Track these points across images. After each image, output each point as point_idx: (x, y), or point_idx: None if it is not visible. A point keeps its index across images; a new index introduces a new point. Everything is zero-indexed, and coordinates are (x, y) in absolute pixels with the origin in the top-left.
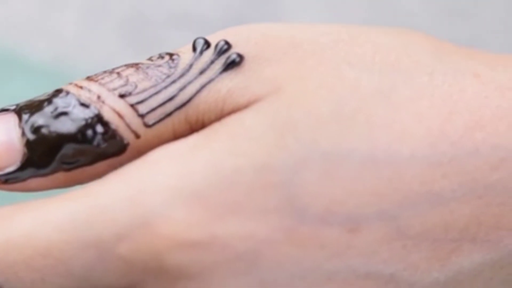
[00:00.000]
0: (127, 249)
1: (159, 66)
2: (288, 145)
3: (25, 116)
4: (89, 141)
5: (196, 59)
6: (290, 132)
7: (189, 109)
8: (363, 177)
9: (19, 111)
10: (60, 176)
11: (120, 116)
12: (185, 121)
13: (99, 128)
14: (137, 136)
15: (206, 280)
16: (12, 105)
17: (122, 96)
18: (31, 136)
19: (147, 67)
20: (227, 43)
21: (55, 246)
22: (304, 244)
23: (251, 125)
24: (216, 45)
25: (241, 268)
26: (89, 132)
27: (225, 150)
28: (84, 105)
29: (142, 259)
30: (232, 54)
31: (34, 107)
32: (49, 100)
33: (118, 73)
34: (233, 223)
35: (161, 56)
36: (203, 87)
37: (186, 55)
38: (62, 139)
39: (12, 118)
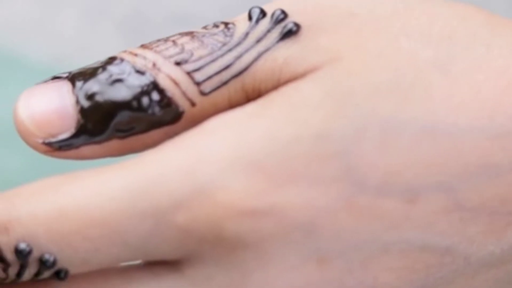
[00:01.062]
0: (185, 218)
1: (215, 34)
2: (347, 114)
3: (78, 83)
4: (144, 108)
5: (252, 28)
6: (349, 101)
7: (246, 78)
8: (421, 147)
9: (72, 78)
10: (114, 143)
11: (176, 83)
12: (241, 90)
13: (155, 96)
14: (193, 104)
15: (263, 249)
16: (65, 73)
17: (178, 63)
18: (85, 103)
19: (203, 36)
20: (283, 12)
21: (111, 216)
22: (362, 214)
23: (308, 94)
24: (272, 14)
25: (299, 238)
26: (145, 100)
27: (283, 119)
28: (140, 72)
29: (199, 228)
30: (288, 23)
31: (87, 74)
32: (103, 67)
33: (173, 41)
34: (292, 192)
35: (215, 25)
36: (259, 55)
37: (241, 24)
38: (117, 106)
39: (65, 85)
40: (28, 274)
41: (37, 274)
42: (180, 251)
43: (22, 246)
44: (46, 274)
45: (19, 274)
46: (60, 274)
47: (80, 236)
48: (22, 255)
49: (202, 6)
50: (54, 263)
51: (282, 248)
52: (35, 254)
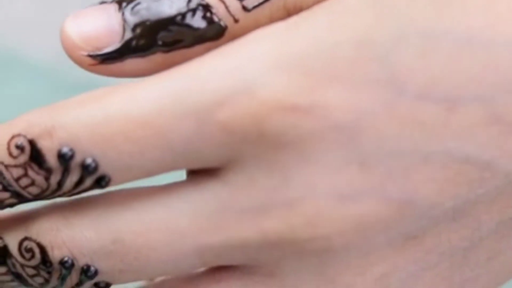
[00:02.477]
0: (227, 115)
1: None
2: (387, 22)
3: (124, 3)
4: (188, 23)
5: None
6: (389, 10)
7: None
8: (459, 59)
9: (119, 1)
10: (158, 57)
11: None
12: (284, 8)
13: (199, 11)
14: (236, 20)
15: (305, 149)
16: None
17: None
18: (131, 19)
19: None
20: None
21: (154, 116)
22: (403, 120)
23: (350, 4)
24: None
25: (340, 139)
26: (189, 15)
27: (325, 26)
28: None
29: (241, 125)
30: None
31: None
32: None
33: None
34: (334, 93)
35: None
36: None
37: None
38: (162, 20)
39: (112, 5)
40: (69, 182)
41: (79, 182)
42: (222, 154)
43: (65, 149)
44: (88, 181)
45: (60, 182)
46: (101, 182)
47: (123, 137)
48: (64, 159)
49: None
50: (96, 168)
51: (324, 149)
52: (78, 158)
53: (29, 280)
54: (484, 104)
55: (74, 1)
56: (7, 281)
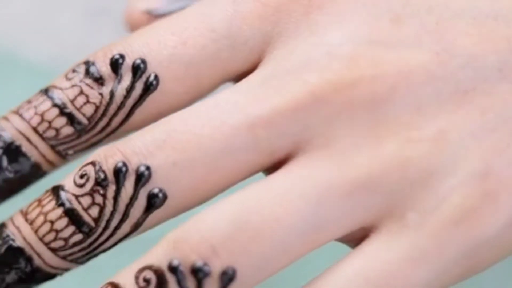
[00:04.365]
0: None
1: None
2: None
3: None
4: None
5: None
6: None
7: None
8: None
9: None
10: None
11: None
12: None
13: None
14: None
15: (338, 6)
16: None
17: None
18: None
19: None
20: None
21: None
22: None
23: None
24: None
25: None
26: None
27: None
28: None
29: None
30: None
31: None
32: None
33: None
34: None
35: None
36: None
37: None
38: None
39: None
40: (120, 88)
41: (130, 88)
42: (262, 30)
43: (116, 56)
44: (139, 86)
45: (112, 91)
46: (151, 84)
47: (168, 31)
48: (116, 65)
49: None
50: (145, 66)
51: (354, 5)
52: (128, 61)
53: (84, 217)
54: None
55: (74, 1)
56: (63, 235)
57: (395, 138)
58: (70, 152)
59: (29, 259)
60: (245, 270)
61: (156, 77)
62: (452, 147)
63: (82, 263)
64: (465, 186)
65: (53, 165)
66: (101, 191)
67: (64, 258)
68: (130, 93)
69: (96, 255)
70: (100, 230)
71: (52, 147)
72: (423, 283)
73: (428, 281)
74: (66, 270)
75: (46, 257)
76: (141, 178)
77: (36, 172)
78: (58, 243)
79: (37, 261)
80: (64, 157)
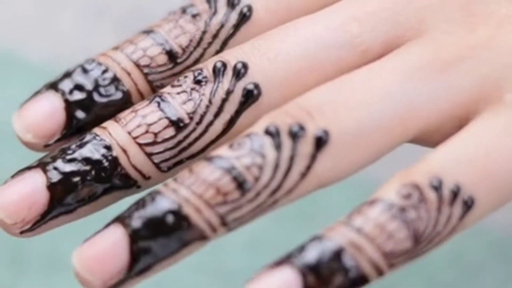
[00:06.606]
0: None
1: None
2: None
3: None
4: None
5: None
6: None
7: None
8: None
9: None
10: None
11: None
12: None
13: None
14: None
15: None
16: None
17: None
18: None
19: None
20: None
21: None
22: None
23: None
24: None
25: None
26: None
27: None
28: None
29: None
30: None
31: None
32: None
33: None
34: None
35: None
36: None
37: None
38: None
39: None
40: (215, 19)
41: (226, 19)
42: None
43: None
44: (233, 16)
45: (206, 22)
46: (245, 15)
47: None
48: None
49: None
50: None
51: None
52: None
53: (178, 110)
54: None
55: (74, 1)
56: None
57: (486, 24)
58: (164, 83)
59: (114, 159)
60: (339, 136)
61: (249, 8)
62: None
63: (163, 170)
64: None
65: (143, 97)
66: (198, 88)
67: (150, 155)
68: (225, 24)
69: (181, 161)
70: (193, 124)
71: (145, 75)
72: None
73: None
74: (145, 177)
75: (132, 153)
76: (238, 74)
77: (126, 102)
78: (147, 137)
79: (122, 159)
80: (154, 90)
